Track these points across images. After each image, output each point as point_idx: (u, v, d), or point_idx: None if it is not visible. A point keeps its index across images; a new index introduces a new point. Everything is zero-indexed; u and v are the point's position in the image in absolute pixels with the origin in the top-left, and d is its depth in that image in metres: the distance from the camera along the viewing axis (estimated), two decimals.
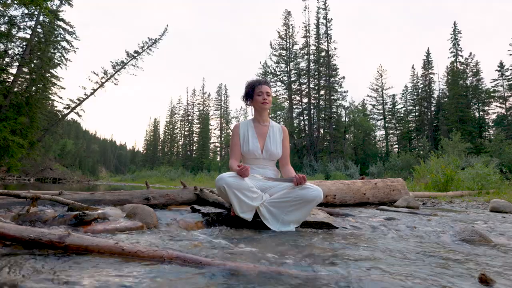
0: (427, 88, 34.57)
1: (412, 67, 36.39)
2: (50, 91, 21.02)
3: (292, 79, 32.66)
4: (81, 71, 27.20)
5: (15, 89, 18.37)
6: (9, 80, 18.20)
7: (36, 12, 18.31)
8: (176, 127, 57.27)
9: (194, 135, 51.82)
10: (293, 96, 32.45)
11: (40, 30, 19.60)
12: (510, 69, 30.45)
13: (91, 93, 22.69)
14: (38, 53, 18.94)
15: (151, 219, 1.72)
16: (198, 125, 50.46)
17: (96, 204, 2.04)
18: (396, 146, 36.80)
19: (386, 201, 3.65)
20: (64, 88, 24.51)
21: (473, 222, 2.40)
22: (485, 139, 29.88)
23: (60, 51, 21.44)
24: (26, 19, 18.83)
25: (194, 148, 51.38)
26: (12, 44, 18.48)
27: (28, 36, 18.83)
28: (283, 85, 33.23)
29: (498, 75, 31.48)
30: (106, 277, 0.86)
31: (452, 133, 23.55)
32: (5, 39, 17.69)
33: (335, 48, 31.06)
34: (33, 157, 20.99)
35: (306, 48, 31.85)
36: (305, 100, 31.89)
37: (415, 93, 35.79)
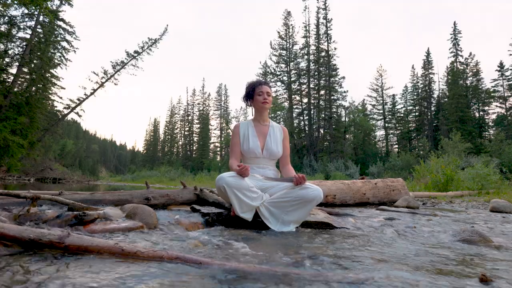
0: (427, 88, 34.58)
1: (412, 67, 36.45)
2: (50, 91, 21.03)
3: (292, 79, 32.67)
4: (81, 71, 27.22)
5: (15, 89, 18.37)
6: (9, 80, 18.21)
7: (36, 12, 18.32)
8: (176, 127, 57.29)
9: (194, 135, 51.83)
10: (293, 96, 32.47)
11: (40, 30, 19.60)
12: (510, 69, 30.49)
13: (91, 93, 22.69)
14: (38, 53, 18.93)
15: (151, 219, 1.72)
16: (198, 125, 50.49)
17: (96, 204, 2.04)
18: (396, 146, 36.82)
19: (386, 201, 3.65)
20: (64, 88, 24.58)
21: (473, 222, 2.39)
22: (485, 139, 29.92)
23: (60, 51, 21.45)
24: (26, 19, 18.86)
25: (194, 148, 51.39)
26: (12, 44, 18.51)
27: (28, 36, 18.84)
28: (283, 85, 33.26)
29: (498, 75, 31.52)
30: (106, 277, 0.86)
31: (452, 133, 23.56)
32: (5, 39, 17.69)
33: (335, 48, 31.11)
34: (33, 157, 21.01)
35: (306, 48, 31.88)
36: (305, 100, 31.92)
37: (415, 93, 35.81)
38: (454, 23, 33.53)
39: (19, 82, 19.03)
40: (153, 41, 24.90)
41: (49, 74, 20.46)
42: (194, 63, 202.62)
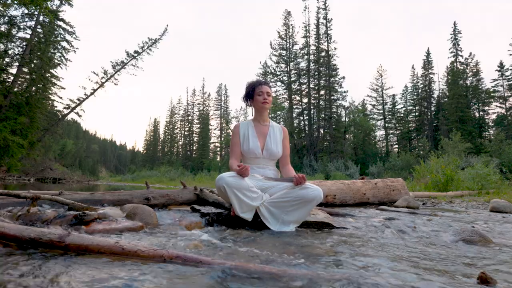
0: (427, 88, 34.58)
1: (412, 67, 36.44)
2: (50, 91, 21.03)
3: (292, 79, 32.67)
4: (81, 71, 27.22)
5: (15, 89, 18.37)
6: (9, 80, 18.21)
7: (36, 12, 18.32)
8: (176, 127, 57.29)
9: (194, 135, 51.83)
10: (293, 96, 32.46)
11: (40, 30, 19.60)
12: (510, 69, 30.48)
13: (91, 93, 22.69)
14: (38, 53, 18.93)
15: (151, 219, 1.72)
16: (198, 125, 50.48)
17: (96, 204, 2.04)
18: (396, 146, 36.81)
19: (386, 201, 3.65)
20: (64, 88, 24.58)
21: (473, 222, 2.40)
22: (485, 139, 29.91)
23: (60, 51, 21.45)
24: (26, 19, 18.87)
25: (194, 148, 51.39)
26: (12, 44, 18.51)
27: (28, 36, 18.84)
28: (283, 85, 33.26)
29: (498, 75, 31.51)
30: (106, 276, 0.86)
31: (452, 133, 23.55)
32: (5, 39, 17.69)
33: (335, 48, 31.10)
34: (33, 157, 21.01)
35: (306, 48, 31.87)
36: (305, 100, 31.92)
37: (415, 93, 35.81)
38: (454, 23, 33.55)
39: (19, 82, 19.02)
40: (153, 41, 24.91)
41: (49, 74, 20.46)
42: (194, 63, 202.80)
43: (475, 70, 32.09)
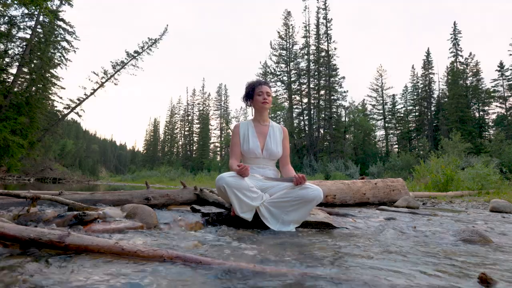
0: (427, 88, 34.58)
1: (412, 67, 36.45)
2: (50, 91, 21.03)
3: (292, 79, 32.67)
4: (81, 71, 27.23)
5: (15, 89, 18.37)
6: (9, 80, 18.21)
7: (36, 12, 18.32)
8: (176, 127, 57.30)
9: (194, 135, 51.84)
10: (293, 96, 32.47)
11: (40, 30, 19.61)
12: (510, 69, 30.48)
13: (91, 93, 22.70)
14: (38, 53, 18.93)
15: (151, 219, 1.72)
16: (198, 125, 50.49)
17: (96, 204, 2.04)
18: (396, 146, 36.82)
19: (386, 201, 3.65)
20: (64, 88, 24.57)
21: (473, 222, 2.40)
22: (485, 139, 29.91)
23: (60, 51, 21.45)
24: (26, 19, 18.87)
25: (194, 148, 51.40)
26: (12, 44, 18.52)
27: (28, 36, 18.85)
28: (283, 85, 33.26)
29: (498, 75, 31.52)
30: (106, 276, 0.86)
31: (452, 133, 23.55)
32: (5, 39, 17.69)
33: (335, 48, 31.11)
34: (33, 157, 21.01)
35: (306, 48, 31.88)
36: (305, 100, 31.93)
37: (415, 93, 35.82)
38: (454, 23, 33.56)
39: (19, 82, 19.02)
40: (153, 41, 24.91)
41: (49, 74, 20.46)
42: (194, 63, 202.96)
43: (475, 70, 32.10)
